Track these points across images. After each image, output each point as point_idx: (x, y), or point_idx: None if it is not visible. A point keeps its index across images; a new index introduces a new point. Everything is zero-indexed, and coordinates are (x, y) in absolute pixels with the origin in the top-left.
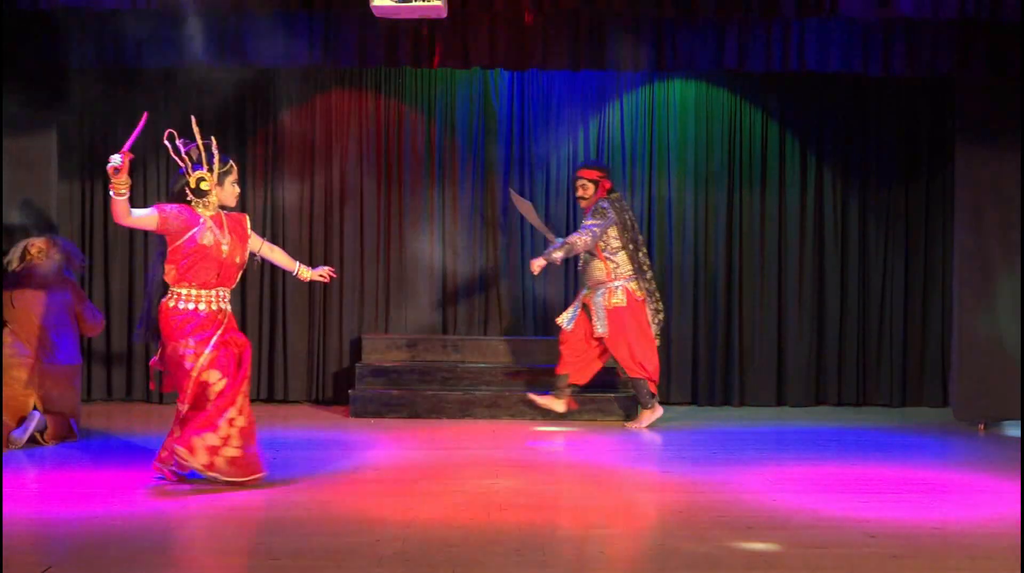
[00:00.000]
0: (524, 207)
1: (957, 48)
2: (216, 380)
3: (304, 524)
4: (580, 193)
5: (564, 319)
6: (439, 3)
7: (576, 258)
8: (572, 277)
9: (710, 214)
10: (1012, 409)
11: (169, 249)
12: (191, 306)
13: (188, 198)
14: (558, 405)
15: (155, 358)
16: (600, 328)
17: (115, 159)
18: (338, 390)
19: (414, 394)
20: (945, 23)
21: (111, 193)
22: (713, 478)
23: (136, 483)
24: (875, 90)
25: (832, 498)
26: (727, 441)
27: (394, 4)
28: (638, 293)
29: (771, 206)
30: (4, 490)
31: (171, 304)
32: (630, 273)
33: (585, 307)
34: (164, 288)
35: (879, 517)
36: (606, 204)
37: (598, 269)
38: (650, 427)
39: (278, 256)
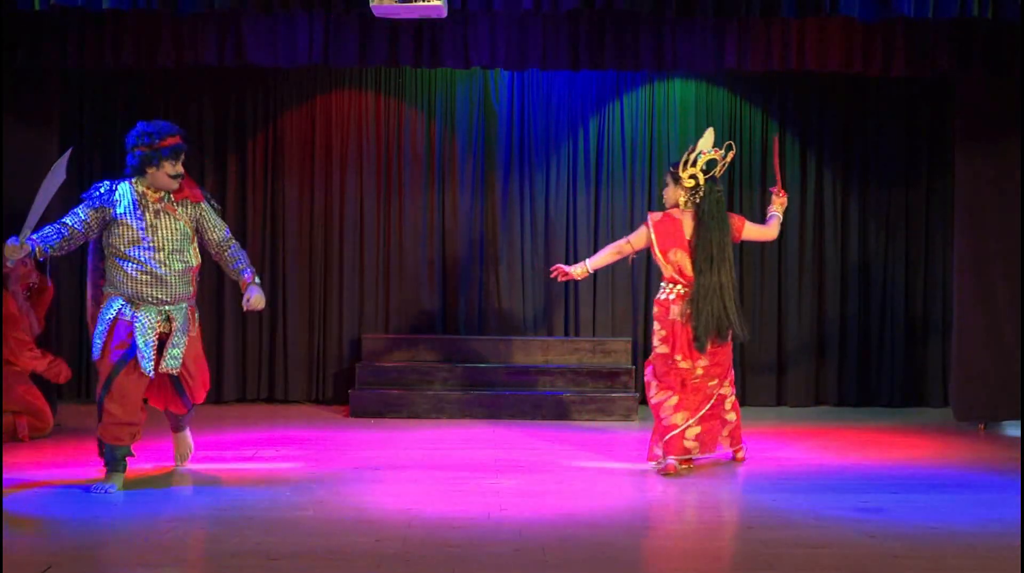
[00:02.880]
0: (52, 180)
1: (957, 48)
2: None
3: (304, 524)
4: (180, 170)
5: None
6: (439, 3)
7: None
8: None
9: None
10: (1012, 409)
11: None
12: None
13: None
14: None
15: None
16: (174, 362)
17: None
18: (338, 390)
19: (414, 394)
20: (945, 23)
21: (777, 216)
22: (713, 478)
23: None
24: (875, 90)
25: (832, 498)
26: None
27: (394, 4)
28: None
29: None
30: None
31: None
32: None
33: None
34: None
35: (879, 517)
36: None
37: (190, 281)
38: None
39: None
